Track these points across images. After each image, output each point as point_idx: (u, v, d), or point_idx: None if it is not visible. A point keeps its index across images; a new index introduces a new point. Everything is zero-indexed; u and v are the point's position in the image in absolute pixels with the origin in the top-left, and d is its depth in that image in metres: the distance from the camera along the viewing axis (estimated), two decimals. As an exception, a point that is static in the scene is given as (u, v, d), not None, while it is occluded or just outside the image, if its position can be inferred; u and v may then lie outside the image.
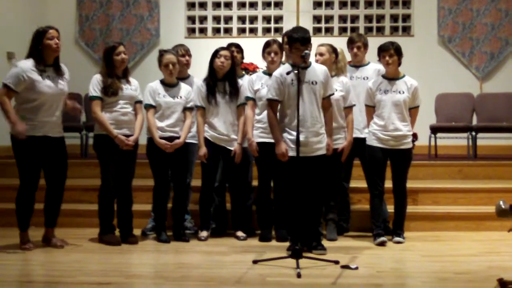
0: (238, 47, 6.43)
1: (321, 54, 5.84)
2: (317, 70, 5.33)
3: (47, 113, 5.43)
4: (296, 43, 5.18)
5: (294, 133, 5.01)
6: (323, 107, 5.35)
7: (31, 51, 5.46)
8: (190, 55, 6.25)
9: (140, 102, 5.85)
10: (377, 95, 5.73)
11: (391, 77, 5.76)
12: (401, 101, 5.67)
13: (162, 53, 5.88)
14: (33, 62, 5.41)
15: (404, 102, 5.68)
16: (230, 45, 6.35)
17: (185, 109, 5.89)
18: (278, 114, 5.32)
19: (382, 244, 5.60)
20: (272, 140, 5.63)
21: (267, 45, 5.95)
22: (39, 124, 5.40)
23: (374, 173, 5.75)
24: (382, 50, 5.71)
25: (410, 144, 5.77)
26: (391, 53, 5.67)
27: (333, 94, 5.47)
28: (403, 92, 5.69)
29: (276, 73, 5.34)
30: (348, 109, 5.83)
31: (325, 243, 5.46)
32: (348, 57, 6.21)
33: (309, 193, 5.27)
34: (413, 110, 5.79)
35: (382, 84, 5.76)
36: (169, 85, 5.86)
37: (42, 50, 5.42)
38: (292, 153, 5.12)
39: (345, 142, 5.77)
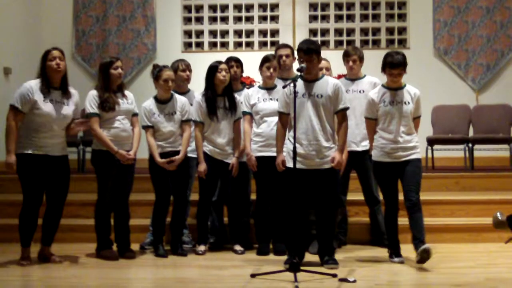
0: (238, 62, 6.32)
1: (327, 69, 5.90)
2: (326, 83, 5.32)
3: (48, 134, 5.41)
4: (299, 53, 5.29)
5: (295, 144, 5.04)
6: (338, 121, 5.34)
7: (39, 72, 5.49)
8: (190, 70, 6.24)
9: (136, 114, 5.85)
10: (382, 107, 5.46)
11: (395, 87, 5.48)
12: (408, 112, 5.42)
13: (161, 68, 5.83)
14: (39, 83, 5.44)
15: (411, 113, 5.45)
16: (230, 59, 6.29)
17: (182, 122, 5.88)
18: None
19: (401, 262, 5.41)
20: (270, 154, 5.64)
21: (266, 60, 5.92)
22: (40, 143, 5.39)
23: (389, 188, 5.48)
24: (391, 67, 5.38)
25: (419, 155, 5.52)
26: (400, 72, 5.41)
27: (346, 108, 5.35)
28: (409, 103, 5.43)
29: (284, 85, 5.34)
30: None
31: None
32: (343, 70, 6.21)
33: (318, 206, 5.30)
34: (416, 120, 5.55)
35: (385, 95, 5.45)
36: (163, 102, 5.84)
37: (46, 71, 5.44)
38: (290, 164, 5.12)
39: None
